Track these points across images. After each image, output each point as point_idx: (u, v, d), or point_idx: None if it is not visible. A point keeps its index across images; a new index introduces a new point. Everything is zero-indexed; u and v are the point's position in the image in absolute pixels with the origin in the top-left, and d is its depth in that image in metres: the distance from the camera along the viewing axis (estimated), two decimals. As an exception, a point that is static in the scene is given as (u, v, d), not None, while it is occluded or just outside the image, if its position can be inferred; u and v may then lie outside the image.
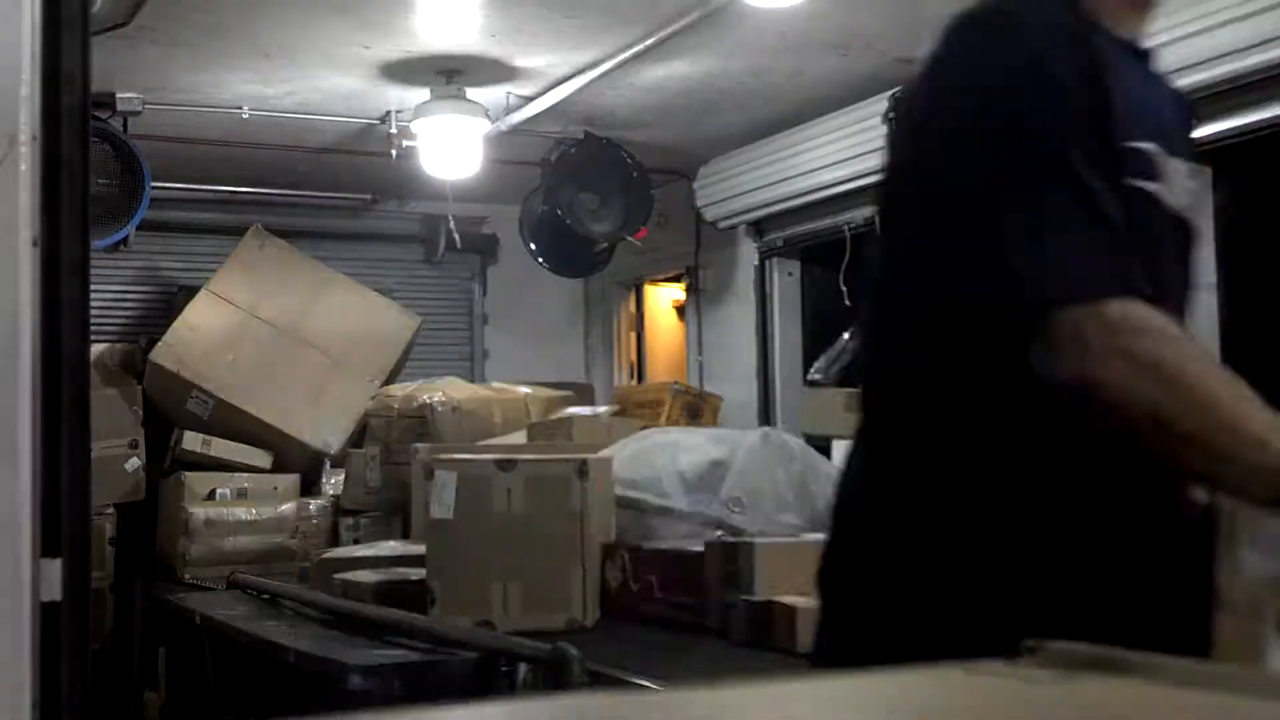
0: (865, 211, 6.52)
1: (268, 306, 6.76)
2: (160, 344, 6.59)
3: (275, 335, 6.75)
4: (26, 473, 1.94)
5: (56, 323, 1.97)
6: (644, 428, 6.29)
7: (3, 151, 1.93)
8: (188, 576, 6.01)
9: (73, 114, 2.02)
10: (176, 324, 6.67)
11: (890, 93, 6.02)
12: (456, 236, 7.96)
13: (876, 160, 6.33)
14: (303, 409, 6.60)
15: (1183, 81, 4.80)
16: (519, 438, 6.18)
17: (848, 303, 6.65)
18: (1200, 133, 5.04)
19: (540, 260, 7.89)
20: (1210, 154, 5.13)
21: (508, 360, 8.96)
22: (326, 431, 6.60)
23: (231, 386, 6.54)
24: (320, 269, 7.13)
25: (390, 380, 7.16)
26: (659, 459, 4.57)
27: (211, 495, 6.36)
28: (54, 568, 2.00)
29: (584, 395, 8.17)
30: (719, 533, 4.15)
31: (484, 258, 9.09)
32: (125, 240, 6.69)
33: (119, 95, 6.23)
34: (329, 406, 6.60)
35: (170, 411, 6.68)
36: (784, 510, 4.31)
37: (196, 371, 6.49)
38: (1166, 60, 4.72)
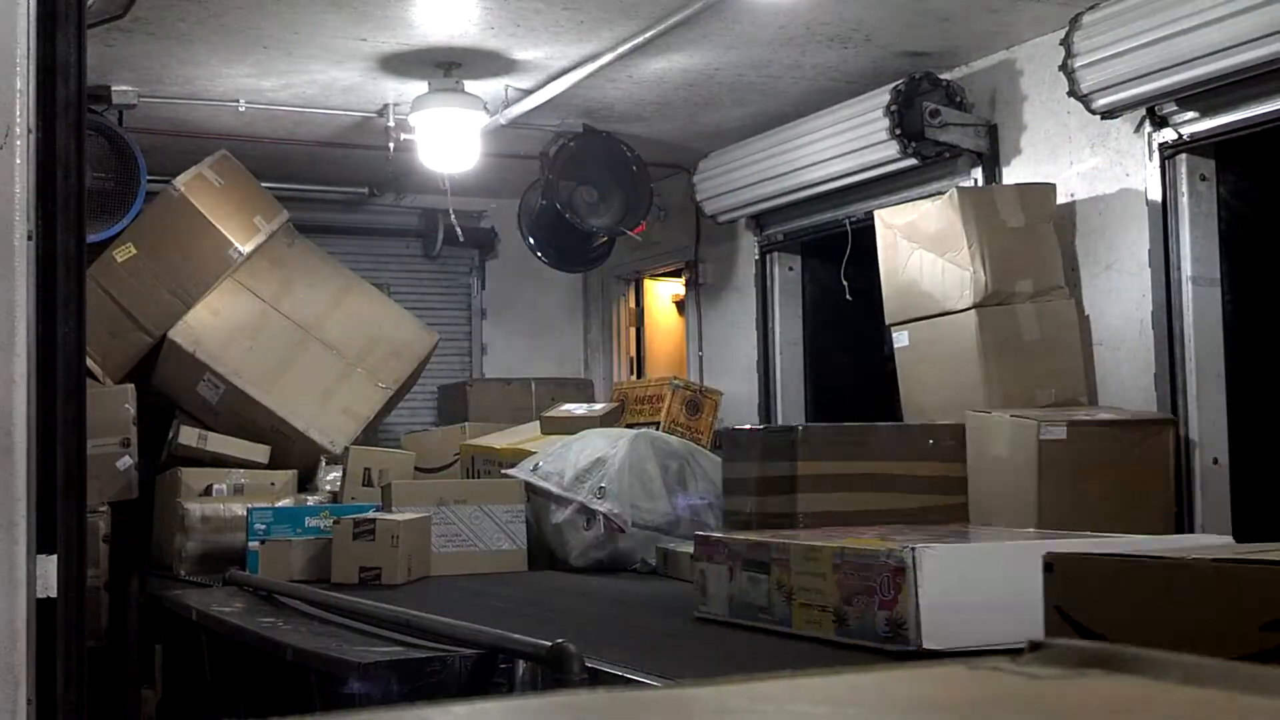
0: (867, 205, 6.51)
1: (290, 302, 6.83)
2: (180, 323, 6.63)
3: (294, 331, 6.79)
4: (22, 469, 1.92)
5: (52, 317, 1.95)
6: (645, 423, 6.32)
7: (-3, 143, 1.91)
8: (184, 573, 5.99)
9: (68, 107, 2.00)
10: (198, 307, 6.71)
11: (891, 85, 6.01)
12: (458, 229, 7.94)
13: (878, 154, 6.37)
14: (311, 407, 6.63)
15: (1187, 75, 4.79)
16: (533, 429, 6.25)
17: (849, 297, 6.63)
18: (1204, 125, 5.04)
19: (539, 254, 7.87)
20: (1215, 147, 5.13)
21: (506, 355, 8.95)
22: (334, 431, 6.63)
23: (244, 374, 6.58)
24: (346, 274, 7.24)
25: (403, 391, 7.18)
26: (570, 455, 5.53)
27: (208, 491, 6.34)
28: (50, 564, 1.98)
29: (584, 390, 8.16)
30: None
31: (482, 252, 9.07)
32: (121, 234, 6.68)
33: (114, 88, 6.21)
34: (336, 407, 6.63)
35: (179, 394, 6.70)
36: (652, 499, 5.30)
37: (211, 354, 6.54)
38: (1175, 52, 4.72)
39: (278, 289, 6.84)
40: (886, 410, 6.11)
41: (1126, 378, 5.35)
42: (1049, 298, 5.37)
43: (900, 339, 5.63)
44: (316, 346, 6.78)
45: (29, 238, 1.94)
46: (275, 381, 6.61)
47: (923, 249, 5.49)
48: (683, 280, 8.57)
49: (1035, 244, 5.40)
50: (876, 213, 5.80)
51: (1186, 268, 5.19)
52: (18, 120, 1.95)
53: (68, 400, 1.97)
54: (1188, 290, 5.18)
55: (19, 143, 1.95)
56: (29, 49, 1.98)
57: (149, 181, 6.65)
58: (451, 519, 5.31)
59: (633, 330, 9.19)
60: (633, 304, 9.20)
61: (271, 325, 6.70)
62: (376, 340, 6.95)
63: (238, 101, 6.62)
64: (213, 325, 6.67)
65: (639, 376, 8.90)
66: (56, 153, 1.99)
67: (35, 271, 1.97)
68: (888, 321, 5.69)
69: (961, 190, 5.57)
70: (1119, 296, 5.40)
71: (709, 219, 7.70)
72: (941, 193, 6.13)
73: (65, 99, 2.00)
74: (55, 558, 2.00)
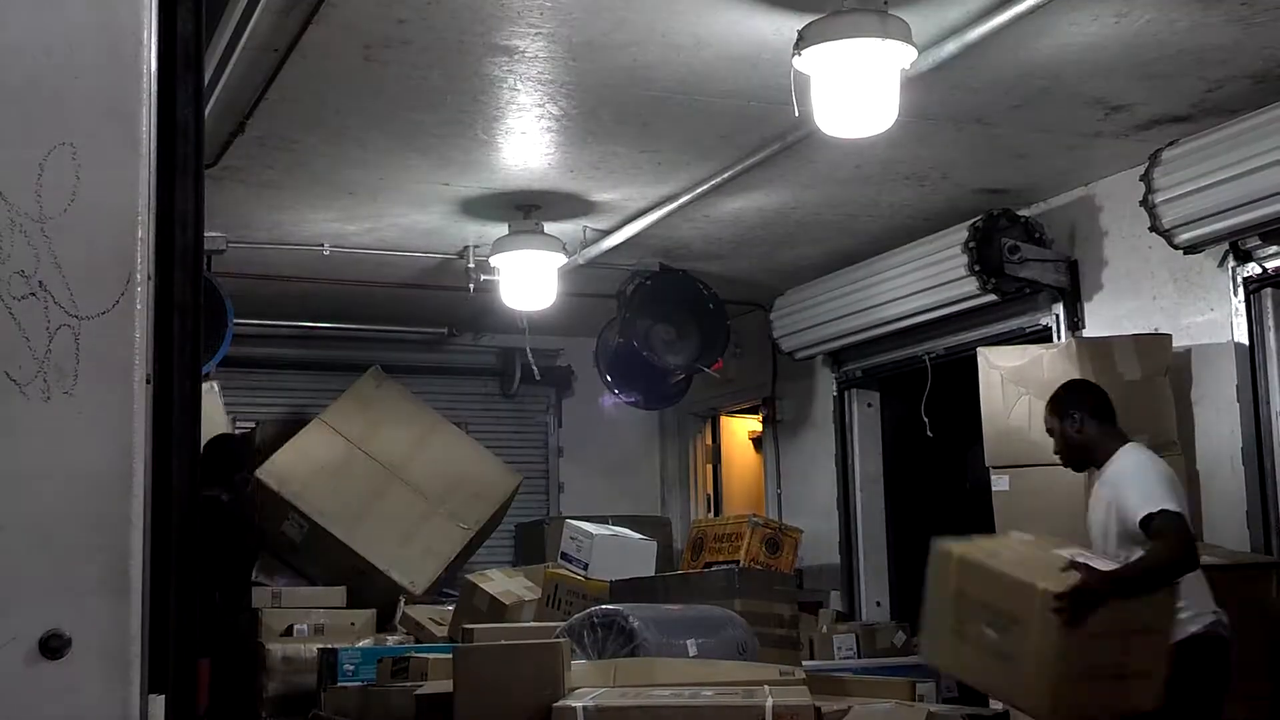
0: (946, 341, 6.50)
1: (376, 443, 6.97)
2: (267, 462, 6.75)
3: (379, 471, 6.91)
4: (138, 607, 1.95)
5: (167, 459, 1.99)
6: (725, 561, 6.27)
7: (120, 289, 1.97)
8: (265, 714, 5.98)
9: (185, 255, 2.06)
10: (286, 447, 6.86)
11: (969, 222, 6.04)
12: (535, 368, 8.00)
13: (957, 290, 6.31)
14: (392, 546, 6.68)
15: (1269, 210, 4.76)
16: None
17: (929, 433, 6.59)
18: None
19: (616, 392, 7.91)
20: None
21: (584, 492, 8.94)
22: (415, 572, 6.66)
23: (329, 513, 6.65)
24: (431, 415, 7.37)
25: (486, 532, 7.21)
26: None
27: (289, 631, 6.34)
28: (159, 704, 2.00)
29: (661, 528, 8.13)
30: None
31: (559, 390, 9.12)
32: (207, 375, 6.78)
33: (204, 234, 6.34)
34: (418, 548, 6.68)
35: (265, 533, 6.76)
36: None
37: (297, 494, 6.64)
38: (1256, 187, 4.67)
39: (364, 430, 6.96)
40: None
41: (1218, 514, 5.25)
42: (1162, 454, 5.20)
43: (1000, 483, 5.46)
44: (400, 487, 6.86)
45: (147, 381, 1.99)
46: (359, 521, 6.67)
47: (1033, 395, 5.29)
48: (760, 417, 8.56)
49: (1151, 397, 5.20)
50: (980, 351, 5.65)
51: (1275, 403, 5.13)
52: (139, 268, 2.01)
53: (180, 540, 2.00)
54: (1278, 425, 5.11)
55: (139, 289, 2.00)
56: (150, 199, 2.05)
57: (235, 324, 6.76)
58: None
59: (709, 467, 9.16)
60: (709, 441, 9.18)
61: (357, 465, 6.80)
62: (459, 481, 7.01)
63: (323, 246, 6.75)
64: (298, 465, 6.77)
65: (716, 514, 8.86)
66: (174, 299, 2.04)
67: (150, 414, 2.01)
68: (988, 463, 5.50)
69: (1079, 341, 5.49)
70: (1207, 432, 5.33)
71: (786, 355, 7.72)
72: (1023, 329, 6.10)
73: (183, 247, 2.07)
74: (163, 698, 2.01)
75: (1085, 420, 4.48)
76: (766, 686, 3.43)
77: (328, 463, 6.81)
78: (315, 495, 6.68)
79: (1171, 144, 5.14)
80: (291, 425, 7.20)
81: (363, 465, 6.82)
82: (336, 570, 6.57)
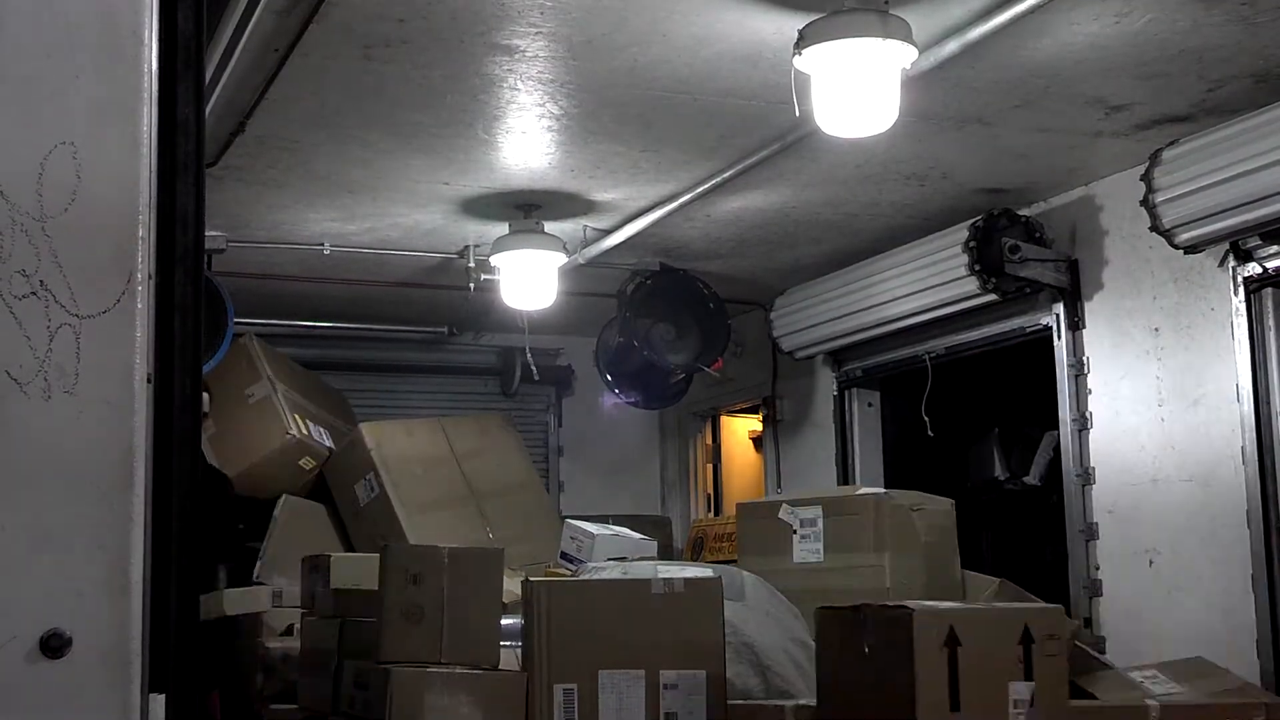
0: (947, 340, 6.49)
1: (473, 465, 7.17)
2: (374, 422, 7.08)
3: (463, 488, 7.13)
4: (139, 607, 1.96)
5: (168, 459, 2.00)
6: (726, 561, 6.26)
7: (121, 288, 1.97)
8: (263, 714, 5.96)
9: (186, 255, 2.07)
10: (397, 421, 7.21)
11: (969, 222, 6.04)
12: (535, 368, 8.01)
13: (957, 289, 6.32)
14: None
15: (1270, 209, 4.77)
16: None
17: (930, 433, 6.59)
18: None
19: (616, 392, 7.92)
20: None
21: (584, 492, 8.95)
22: None
23: (401, 489, 6.81)
24: (531, 475, 7.62)
25: None
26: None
27: (289, 631, 6.32)
28: (159, 703, 2.00)
29: (661, 528, 8.13)
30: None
31: (559, 389, 9.13)
32: (207, 375, 6.78)
33: (205, 233, 6.35)
34: None
35: (337, 489, 6.97)
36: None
37: (384, 459, 6.82)
38: (1257, 187, 4.68)
39: (470, 449, 7.20)
40: (971, 547, 6.04)
41: (1218, 515, 5.25)
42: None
43: None
44: (473, 510, 7.14)
45: (148, 380, 2.00)
46: (422, 513, 6.84)
47: None
48: (760, 416, 8.56)
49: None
50: None
51: (1276, 403, 5.12)
52: (139, 267, 2.02)
53: (181, 541, 2.01)
54: (1278, 425, 5.11)
55: (140, 288, 2.01)
56: (151, 198, 2.06)
57: (234, 323, 6.76)
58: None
59: (709, 467, 9.16)
60: (709, 440, 9.18)
61: (447, 472, 7.07)
62: (526, 538, 7.15)
63: (323, 245, 6.75)
64: (398, 439, 7.01)
65: (716, 513, 8.86)
66: (175, 298, 2.05)
67: (151, 413, 2.02)
68: None
69: None
70: (1208, 431, 5.33)
71: (786, 355, 7.72)
72: (1023, 328, 6.11)
73: (184, 246, 2.08)
74: (164, 697, 2.02)
75: None
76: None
77: (425, 455, 7.03)
78: (399, 469, 6.93)
79: (1172, 144, 5.14)
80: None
81: (453, 475, 7.03)
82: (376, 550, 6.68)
